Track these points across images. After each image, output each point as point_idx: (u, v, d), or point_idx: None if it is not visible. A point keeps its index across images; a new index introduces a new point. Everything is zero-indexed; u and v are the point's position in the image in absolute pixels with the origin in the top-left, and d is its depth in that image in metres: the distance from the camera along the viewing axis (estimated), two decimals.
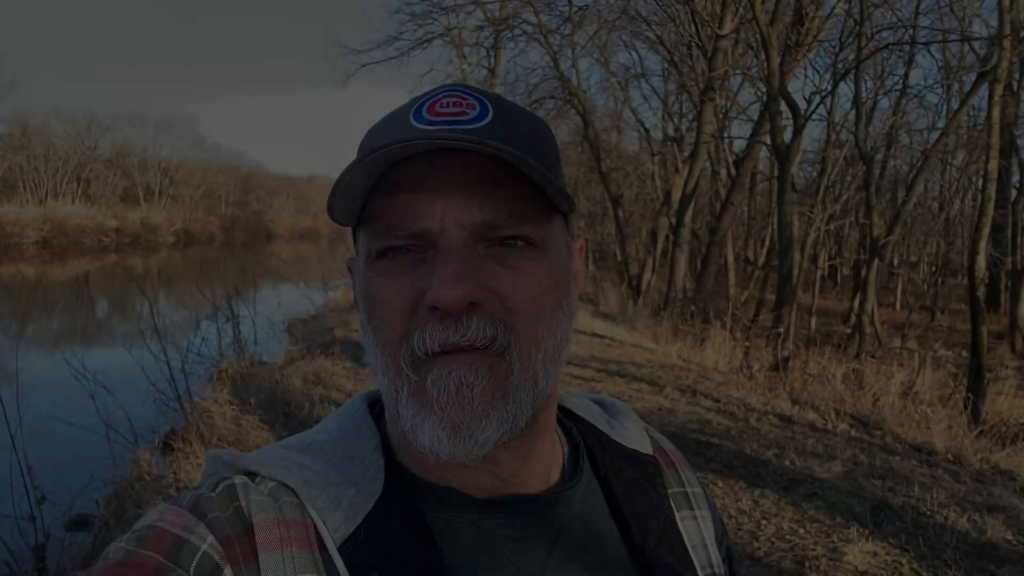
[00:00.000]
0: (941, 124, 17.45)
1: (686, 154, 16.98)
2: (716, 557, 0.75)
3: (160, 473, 5.14)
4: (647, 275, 18.32)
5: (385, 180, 0.61)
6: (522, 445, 0.65)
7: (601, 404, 0.84)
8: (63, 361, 6.25)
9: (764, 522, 4.09)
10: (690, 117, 19.43)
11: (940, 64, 16.93)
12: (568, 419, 0.78)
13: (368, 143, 0.64)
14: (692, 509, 0.77)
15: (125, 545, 0.56)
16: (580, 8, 16.40)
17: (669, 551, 0.70)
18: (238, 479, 0.63)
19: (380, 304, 0.61)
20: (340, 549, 0.59)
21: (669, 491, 0.76)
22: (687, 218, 15.23)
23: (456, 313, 0.57)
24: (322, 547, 0.59)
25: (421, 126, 0.60)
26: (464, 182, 0.59)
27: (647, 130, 21.88)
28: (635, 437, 0.78)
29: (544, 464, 0.69)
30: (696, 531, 0.75)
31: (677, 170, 17.23)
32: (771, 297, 14.43)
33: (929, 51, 15.19)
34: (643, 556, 0.68)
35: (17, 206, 42.35)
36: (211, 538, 0.57)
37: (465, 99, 0.62)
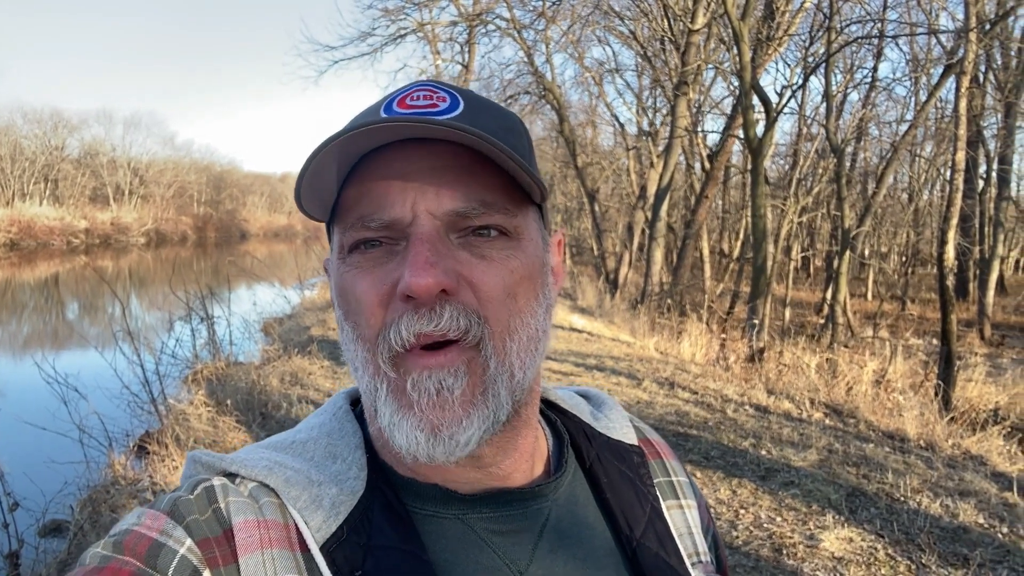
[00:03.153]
0: (909, 116, 17.76)
1: (661, 148, 17.07)
2: (702, 545, 0.76)
3: (135, 477, 5.07)
4: (624, 269, 18.40)
5: (355, 173, 0.61)
6: (504, 439, 0.64)
7: (586, 396, 0.84)
8: (34, 365, 6.14)
9: (742, 511, 4.14)
10: (664, 111, 19.51)
11: (908, 57, 17.23)
12: (553, 412, 0.78)
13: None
14: (678, 498, 0.78)
15: (101, 551, 0.55)
16: (553, 3, 16.39)
17: (656, 540, 0.70)
18: (217, 481, 0.62)
19: (354, 299, 0.61)
20: (322, 549, 0.58)
21: (655, 480, 0.77)
22: (663, 212, 15.31)
23: (429, 302, 0.57)
24: (304, 547, 0.59)
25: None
26: (435, 171, 0.59)
27: (622, 125, 21.96)
28: (620, 428, 0.79)
29: (528, 457, 0.68)
30: (682, 520, 0.76)
31: (652, 164, 17.32)
32: (746, 289, 14.57)
33: (897, 44, 15.47)
34: (630, 545, 0.69)
35: None
36: (189, 541, 0.56)
37: (436, 92, 0.62)
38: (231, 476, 0.63)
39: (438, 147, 0.59)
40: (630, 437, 0.79)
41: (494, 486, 0.66)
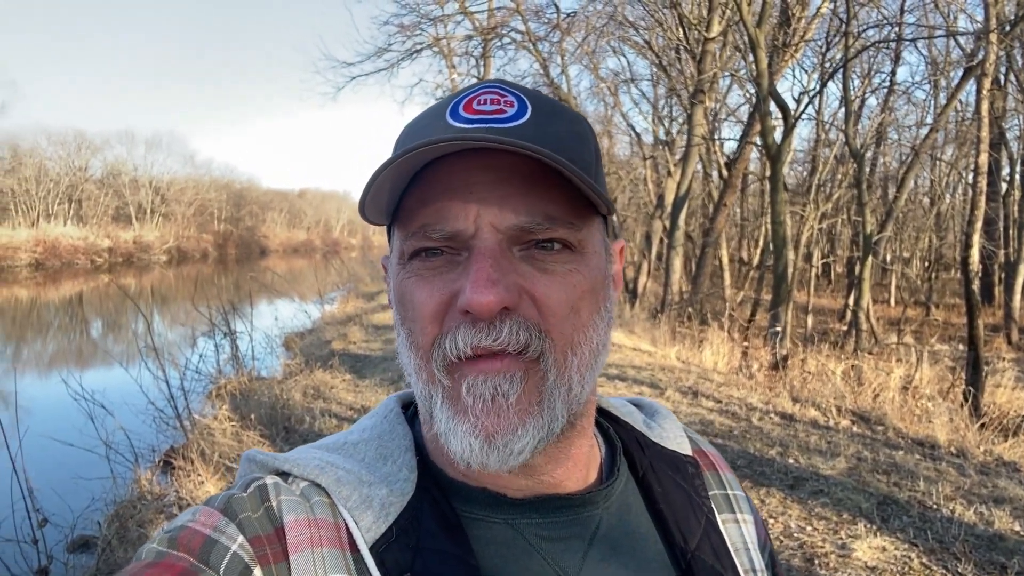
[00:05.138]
0: (930, 120, 17.59)
1: (678, 157, 17.01)
2: (759, 562, 0.74)
3: (162, 492, 5.10)
4: (643, 279, 18.33)
5: (419, 179, 0.60)
6: (557, 449, 0.64)
7: (639, 405, 0.83)
8: (61, 382, 6.22)
9: (771, 521, 4.08)
10: (680, 120, 19.50)
11: (927, 60, 17.06)
12: (606, 420, 0.77)
13: (404, 140, 0.64)
14: (734, 512, 0.76)
15: (157, 546, 0.56)
16: (568, 15, 16.44)
17: (711, 552, 0.68)
18: (270, 479, 0.63)
19: (412, 306, 0.60)
20: (372, 549, 0.58)
21: (710, 493, 0.75)
22: (681, 221, 15.24)
23: (488, 318, 0.56)
24: (354, 547, 0.59)
25: (458, 124, 0.59)
26: (499, 183, 0.58)
27: (638, 134, 21.92)
28: (674, 438, 0.77)
29: (582, 466, 0.68)
30: (738, 534, 0.74)
31: (669, 173, 17.26)
32: (767, 297, 14.45)
33: (916, 47, 15.33)
34: (684, 557, 0.67)
35: (9, 229, 42.29)
36: (241, 538, 0.57)
37: (503, 96, 0.61)
38: (284, 475, 0.64)
39: (504, 157, 0.58)
40: (684, 448, 0.77)
41: (545, 492, 0.65)
